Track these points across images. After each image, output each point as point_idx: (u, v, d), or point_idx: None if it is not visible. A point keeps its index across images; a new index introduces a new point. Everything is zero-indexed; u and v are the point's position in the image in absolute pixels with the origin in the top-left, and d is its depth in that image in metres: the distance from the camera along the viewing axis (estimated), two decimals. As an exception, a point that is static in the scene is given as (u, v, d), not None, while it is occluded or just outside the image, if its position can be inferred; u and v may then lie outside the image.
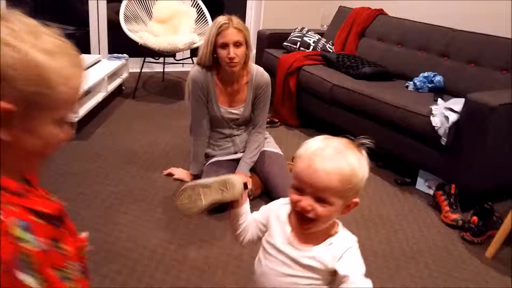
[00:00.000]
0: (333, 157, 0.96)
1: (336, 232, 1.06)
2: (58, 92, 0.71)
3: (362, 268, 1.02)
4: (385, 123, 2.70)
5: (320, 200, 0.97)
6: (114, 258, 1.83)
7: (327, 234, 1.05)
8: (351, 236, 1.07)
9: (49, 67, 0.69)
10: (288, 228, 1.07)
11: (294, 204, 1.00)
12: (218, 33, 2.15)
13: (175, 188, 2.39)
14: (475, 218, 2.16)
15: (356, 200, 1.03)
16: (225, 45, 2.14)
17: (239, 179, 1.17)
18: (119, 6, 3.86)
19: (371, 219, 2.29)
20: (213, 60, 2.24)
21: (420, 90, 2.94)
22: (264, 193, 2.39)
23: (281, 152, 2.50)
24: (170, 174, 2.53)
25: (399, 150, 2.68)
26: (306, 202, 0.97)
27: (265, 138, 2.49)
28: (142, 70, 3.99)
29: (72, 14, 4.73)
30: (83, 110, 2.98)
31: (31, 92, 0.68)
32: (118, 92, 3.87)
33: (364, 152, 1.02)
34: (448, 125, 2.31)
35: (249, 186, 2.21)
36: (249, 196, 2.24)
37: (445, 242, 2.15)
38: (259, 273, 1.11)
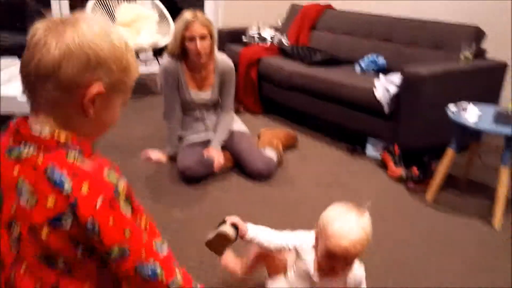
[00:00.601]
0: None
1: None
2: (131, 80, 0.90)
3: None
4: (336, 100, 3.06)
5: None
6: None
7: None
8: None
9: (131, 59, 0.88)
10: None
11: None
12: (185, 28, 2.44)
13: (155, 168, 2.67)
14: (415, 169, 2.55)
15: None
16: (192, 38, 2.43)
17: (227, 227, 1.42)
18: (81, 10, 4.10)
19: (328, 182, 2.63)
20: (182, 51, 2.53)
21: (366, 71, 3.33)
22: (236, 166, 2.70)
23: (247, 130, 2.82)
24: (149, 159, 2.79)
25: (349, 123, 3.04)
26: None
27: (232, 121, 2.80)
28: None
29: (30, 17, 4.90)
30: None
31: (117, 79, 0.85)
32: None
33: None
34: (389, 96, 2.70)
35: (222, 161, 2.52)
36: (221, 170, 2.55)
37: (393, 193, 2.52)
38: None
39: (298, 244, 1.39)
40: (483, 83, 2.83)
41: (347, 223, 1.26)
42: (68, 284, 0.87)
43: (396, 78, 2.75)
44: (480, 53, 2.95)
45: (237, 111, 3.64)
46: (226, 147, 2.69)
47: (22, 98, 3.10)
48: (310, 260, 1.36)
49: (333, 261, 1.27)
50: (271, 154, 2.73)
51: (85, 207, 0.79)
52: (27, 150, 0.83)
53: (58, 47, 0.79)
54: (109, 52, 0.83)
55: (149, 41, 3.91)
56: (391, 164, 2.73)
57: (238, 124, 2.82)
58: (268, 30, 4.11)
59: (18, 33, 4.61)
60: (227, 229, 1.42)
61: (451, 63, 2.85)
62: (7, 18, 4.87)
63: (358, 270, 1.40)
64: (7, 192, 0.85)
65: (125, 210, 0.83)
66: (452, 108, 2.30)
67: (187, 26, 2.44)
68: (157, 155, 2.75)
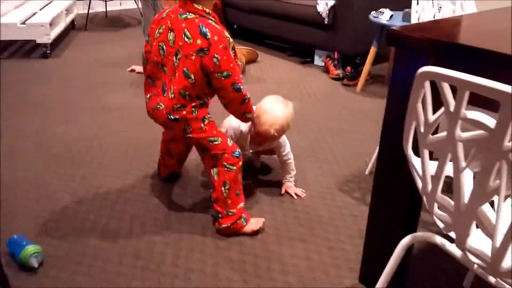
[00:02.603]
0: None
1: None
2: None
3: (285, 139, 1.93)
4: (289, 19, 3.64)
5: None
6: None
7: None
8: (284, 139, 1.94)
9: None
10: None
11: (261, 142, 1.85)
12: None
13: (137, 76, 3.24)
14: (348, 68, 3.21)
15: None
16: None
17: None
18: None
19: (282, 82, 3.27)
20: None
21: (314, -6, 3.89)
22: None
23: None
24: (133, 70, 3.36)
25: (299, 37, 3.65)
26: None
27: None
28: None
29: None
30: (53, 34, 3.70)
31: None
32: (71, 27, 4.56)
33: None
34: (327, 9, 3.29)
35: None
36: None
37: (331, 88, 3.19)
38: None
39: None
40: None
41: (275, 114, 1.77)
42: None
43: (334, -5, 3.34)
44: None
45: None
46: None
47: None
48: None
49: (262, 139, 1.83)
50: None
51: (214, 47, 1.48)
52: (191, 16, 1.51)
53: None
54: None
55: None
56: (331, 67, 3.37)
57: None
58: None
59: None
60: None
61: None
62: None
63: (284, 143, 1.93)
64: (177, 35, 1.52)
65: (232, 53, 1.53)
66: (373, 13, 2.92)
67: None
68: (139, 68, 3.35)
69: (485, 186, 0.74)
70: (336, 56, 3.37)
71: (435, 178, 0.85)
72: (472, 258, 0.85)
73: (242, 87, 1.57)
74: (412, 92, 0.84)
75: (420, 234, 0.98)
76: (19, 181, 1.99)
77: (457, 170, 0.79)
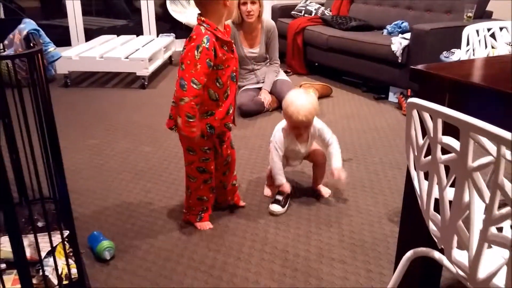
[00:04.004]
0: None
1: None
2: None
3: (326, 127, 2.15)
4: (364, 57, 3.79)
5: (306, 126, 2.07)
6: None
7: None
8: (319, 121, 2.16)
9: None
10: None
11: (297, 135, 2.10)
12: None
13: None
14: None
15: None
16: (245, 3, 3.27)
17: None
18: (160, 1, 5.06)
19: (354, 119, 3.40)
20: (239, 17, 3.38)
21: (392, 34, 4.01)
22: (279, 107, 3.53)
23: (289, 79, 3.64)
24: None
25: (374, 74, 3.77)
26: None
27: (278, 71, 3.63)
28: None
29: (122, 10, 6.04)
30: (151, 68, 4.21)
31: None
32: (169, 62, 5.10)
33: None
34: (401, 48, 3.39)
35: (269, 100, 3.38)
36: (268, 109, 3.39)
37: (402, 124, 3.24)
38: (293, 156, 2.19)
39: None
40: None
41: (299, 102, 1.99)
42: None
43: (408, 35, 3.44)
44: (482, 15, 3.54)
45: (285, 73, 4.48)
46: (272, 91, 3.53)
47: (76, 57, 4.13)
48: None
49: (297, 129, 2.06)
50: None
51: (189, 42, 1.72)
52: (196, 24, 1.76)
53: None
54: None
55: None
56: (404, 104, 3.43)
57: (281, 74, 3.64)
58: (314, 4, 4.87)
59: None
60: None
61: (454, 22, 3.48)
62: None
63: (316, 124, 2.13)
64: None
65: (197, 56, 1.67)
66: (444, 53, 2.97)
67: None
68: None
69: (459, 202, 0.85)
70: (409, 93, 3.43)
71: (427, 196, 0.97)
72: (458, 270, 0.94)
73: (186, 87, 1.66)
74: (406, 120, 0.97)
75: (421, 249, 1.08)
76: (105, 188, 2.34)
77: (441, 189, 0.91)
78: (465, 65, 1.33)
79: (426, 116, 0.89)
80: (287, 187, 2.11)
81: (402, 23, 4.01)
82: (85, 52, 4.23)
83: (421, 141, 0.95)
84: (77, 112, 3.53)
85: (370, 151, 2.78)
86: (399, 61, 3.43)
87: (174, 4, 5.03)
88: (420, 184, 1.00)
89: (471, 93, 1.11)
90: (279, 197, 2.13)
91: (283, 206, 2.11)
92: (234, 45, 1.83)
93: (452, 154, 0.84)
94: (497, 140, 0.72)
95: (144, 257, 1.80)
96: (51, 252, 1.44)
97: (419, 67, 1.25)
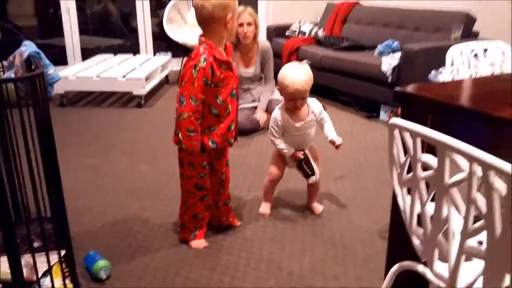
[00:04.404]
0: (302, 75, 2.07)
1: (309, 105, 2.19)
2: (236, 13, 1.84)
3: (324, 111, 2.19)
4: (356, 76, 3.88)
5: (303, 98, 2.11)
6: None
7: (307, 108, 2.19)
8: (314, 100, 2.22)
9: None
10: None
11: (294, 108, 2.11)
12: (238, 16, 3.38)
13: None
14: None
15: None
16: (241, 25, 3.36)
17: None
18: (157, 21, 5.16)
19: (346, 134, 3.47)
20: (235, 38, 3.46)
21: (382, 54, 4.10)
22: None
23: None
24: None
25: (365, 93, 3.85)
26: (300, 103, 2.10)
27: (273, 90, 3.70)
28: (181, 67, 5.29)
29: (119, 29, 6.16)
30: (148, 87, 4.28)
31: (234, 11, 1.79)
32: (165, 81, 5.17)
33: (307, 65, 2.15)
34: (391, 68, 3.48)
35: (265, 119, 3.44)
36: (263, 128, 3.43)
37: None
38: (295, 143, 2.21)
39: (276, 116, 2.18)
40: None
41: (294, 73, 2.05)
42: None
43: (398, 55, 3.53)
44: (469, 34, 3.64)
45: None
46: (267, 110, 3.59)
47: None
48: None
49: (294, 101, 2.08)
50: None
51: (188, 61, 1.83)
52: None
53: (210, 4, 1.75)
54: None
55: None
56: (395, 122, 3.50)
57: (276, 93, 3.71)
58: (307, 25, 4.99)
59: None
60: None
61: (442, 41, 3.58)
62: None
63: (315, 105, 2.19)
64: None
65: (194, 72, 1.76)
66: (433, 72, 3.06)
67: (238, 15, 3.37)
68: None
69: (439, 217, 0.91)
70: (399, 112, 3.50)
71: (410, 211, 1.02)
72: (440, 282, 0.99)
73: (185, 103, 1.79)
74: (388, 140, 1.03)
75: (406, 262, 1.12)
76: (102, 207, 2.38)
77: (422, 204, 0.96)
78: (447, 86, 1.40)
79: (407, 136, 0.94)
80: (299, 154, 2.18)
81: (393, 42, 4.11)
82: (81, 72, 4.30)
83: (403, 159, 1.00)
84: (73, 132, 3.58)
85: (362, 168, 2.84)
86: (389, 80, 3.51)
87: (170, 24, 5.12)
88: (404, 200, 1.05)
89: (452, 114, 1.18)
90: (302, 169, 2.20)
91: (313, 173, 2.19)
92: (233, 65, 1.91)
93: (431, 171, 0.90)
94: (469, 158, 0.77)
95: (141, 276, 1.82)
96: (48, 272, 1.47)
97: (402, 89, 1.32)
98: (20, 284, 1.35)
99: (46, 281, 1.55)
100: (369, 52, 4.24)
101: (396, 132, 0.99)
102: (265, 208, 2.32)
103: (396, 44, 4.09)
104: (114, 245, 2.04)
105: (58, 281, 1.56)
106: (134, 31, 5.67)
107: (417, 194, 0.97)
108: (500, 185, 0.74)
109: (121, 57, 5.09)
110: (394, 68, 3.48)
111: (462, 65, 1.98)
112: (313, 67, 4.38)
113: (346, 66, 3.98)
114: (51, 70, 1.77)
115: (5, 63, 1.81)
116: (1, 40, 4.53)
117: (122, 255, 1.96)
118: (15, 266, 1.32)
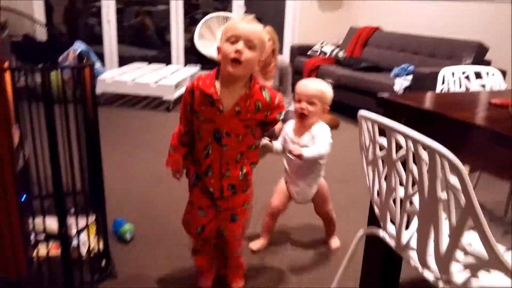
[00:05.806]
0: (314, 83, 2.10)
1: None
2: None
3: (327, 139, 2.01)
4: (369, 94, 4.14)
5: (310, 102, 2.16)
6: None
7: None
8: (323, 125, 2.07)
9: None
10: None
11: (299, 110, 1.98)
12: None
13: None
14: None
15: (327, 107, 2.05)
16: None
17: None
18: (189, 36, 5.55)
19: (354, 149, 3.71)
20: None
21: (398, 76, 4.36)
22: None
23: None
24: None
25: (379, 111, 4.09)
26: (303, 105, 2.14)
27: (290, 102, 3.99)
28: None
29: (154, 41, 6.62)
30: (177, 94, 4.65)
31: None
32: (193, 90, 5.54)
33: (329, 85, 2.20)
34: (402, 88, 3.74)
35: (281, 127, 3.72)
36: (278, 136, 3.67)
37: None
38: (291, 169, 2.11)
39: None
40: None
41: (311, 80, 2.05)
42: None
43: (410, 77, 3.79)
44: (481, 62, 3.87)
45: (299, 105, 4.86)
46: (283, 120, 3.87)
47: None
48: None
49: (300, 102, 1.99)
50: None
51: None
52: None
53: None
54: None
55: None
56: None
57: (292, 106, 4.00)
58: (329, 46, 5.29)
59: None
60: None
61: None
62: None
63: (318, 128, 2.05)
64: None
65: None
66: (438, 94, 3.30)
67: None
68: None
69: (390, 187, 1.17)
70: (407, 130, 3.74)
71: (371, 185, 1.29)
72: (391, 240, 1.24)
73: (179, 120, 1.66)
74: (358, 129, 1.31)
75: (370, 228, 1.38)
76: (129, 186, 2.73)
77: (379, 178, 1.22)
78: (420, 97, 1.66)
79: (369, 124, 1.22)
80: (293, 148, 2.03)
81: (408, 66, 4.37)
82: (118, 76, 4.70)
83: (367, 144, 1.28)
84: (107, 128, 3.96)
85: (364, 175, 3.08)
86: (400, 99, 3.76)
87: (201, 39, 5.51)
88: (368, 177, 1.32)
89: (420, 115, 1.44)
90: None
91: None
92: (220, 104, 1.56)
93: (383, 150, 1.17)
94: (405, 136, 1.05)
95: (160, 238, 2.16)
96: (84, 230, 1.79)
97: (382, 95, 1.59)
98: (65, 235, 1.67)
99: (82, 236, 1.86)
100: (385, 74, 4.50)
101: (363, 122, 1.27)
102: (263, 242, 2.18)
103: (411, 68, 4.35)
104: (139, 214, 2.38)
105: (91, 238, 1.87)
106: (168, 44, 6.10)
107: (376, 170, 1.24)
108: (426, 157, 1.01)
109: (154, 66, 5.50)
110: (405, 89, 3.74)
111: (453, 84, 2.23)
112: (332, 86, 4.70)
113: (362, 85, 4.25)
114: (97, 65, 2.10)
115: (60, 58, 2.16)
116: (48, 43, 5.00)
117: (146, 220, 2.30)
118: (62, 223, 1.65)
